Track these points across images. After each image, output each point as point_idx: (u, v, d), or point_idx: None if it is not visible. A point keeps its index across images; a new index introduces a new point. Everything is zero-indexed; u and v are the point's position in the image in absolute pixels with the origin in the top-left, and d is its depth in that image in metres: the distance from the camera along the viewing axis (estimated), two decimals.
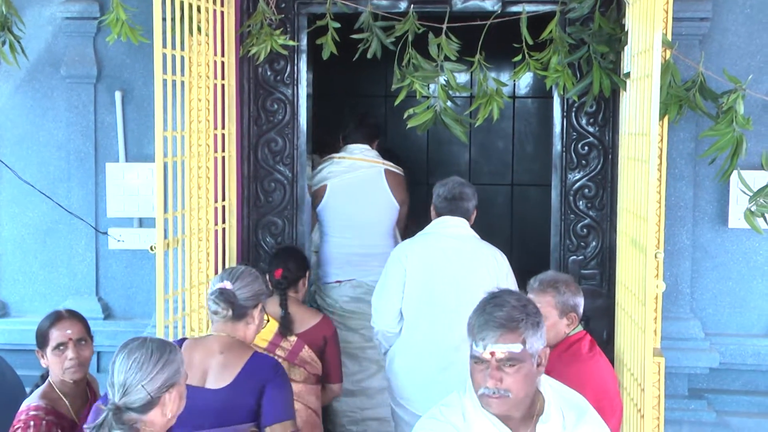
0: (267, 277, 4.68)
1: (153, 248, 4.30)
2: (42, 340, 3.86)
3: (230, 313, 3.55)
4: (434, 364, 4.48)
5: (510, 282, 4.52)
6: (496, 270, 4.53)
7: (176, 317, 4.47)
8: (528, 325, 2.83)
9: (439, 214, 4.69)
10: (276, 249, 5.22)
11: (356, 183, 5.74)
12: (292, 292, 4.79)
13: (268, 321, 4.53)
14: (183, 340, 3.70)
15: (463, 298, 4.24)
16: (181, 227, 4.50)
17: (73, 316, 3.96)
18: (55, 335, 3.84)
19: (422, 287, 4.55)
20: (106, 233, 5.53)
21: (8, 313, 5.71)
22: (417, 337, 4.56)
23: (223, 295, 3.56)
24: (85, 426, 2.84)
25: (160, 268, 4.28)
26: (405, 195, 5.83)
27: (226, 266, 4.88)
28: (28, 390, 4.01)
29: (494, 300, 2.89)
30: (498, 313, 2.82)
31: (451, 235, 4.62)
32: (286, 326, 4.63)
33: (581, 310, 3.97)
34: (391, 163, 5.88)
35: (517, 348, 2.80)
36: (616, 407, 3.85)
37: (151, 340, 2.89)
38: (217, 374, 3.45)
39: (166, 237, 4.34)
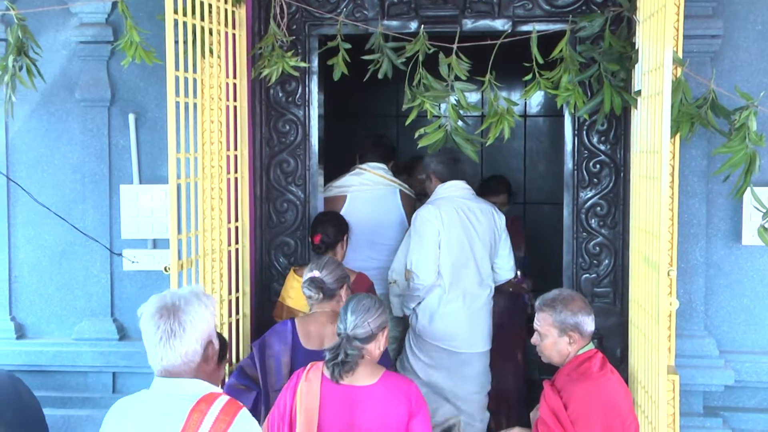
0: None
1: (167, 269, 4.32)
2: None
3: (321, 296, 4.32)
4: (475, 306, 5.33)
5: (505, 234, 5.50)
6: (499, 223, 5.46)
7: None
8: None
9: (440, 179, 5.48)
10: (317, 215, 5.42)
11: (374, 198, 5.87)
12: (331, 254, 5.07)
13: None
14: (292, 319, 4.39)
15: (483, 248, 5.35)
16: (195, 248, 4.52)
17: None
18: None
19: (456, 244, 5.29)
20: (120, 255, 5.55)
21: (25, 335, 5.73)
22: (460, 287, 5.29)
23: (313, 283, 4.33)
24: (325, 347, 3.87)
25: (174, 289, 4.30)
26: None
27: (239, 287, 4.93)
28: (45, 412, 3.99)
29: None
30: None
31: (461, 196, 5.41)
32: None
33: (587, 328, 3.96)
34: (406, 185, 6.04)
35: None
36: (629, 426, 3.84)
37: (375, 296, 3.93)
38: (332, 339, 4.10)
39: (180, 258, 4.36)
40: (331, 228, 5.17)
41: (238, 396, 4.05)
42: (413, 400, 3.68)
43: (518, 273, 5.97)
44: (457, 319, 5.27)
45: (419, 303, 5.31)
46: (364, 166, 6.03)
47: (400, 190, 5.98)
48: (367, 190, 5.92)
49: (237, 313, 4.93)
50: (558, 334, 3.95)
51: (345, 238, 5.25)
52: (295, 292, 5.01)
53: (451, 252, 5.27)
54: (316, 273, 4.35)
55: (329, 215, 5.34)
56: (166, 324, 2.90)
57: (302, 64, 5.11)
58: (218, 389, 2.99)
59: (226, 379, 4.43)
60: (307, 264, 4.86)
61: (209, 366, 3.00)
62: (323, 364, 3.72)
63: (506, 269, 5.54)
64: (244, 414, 2.90)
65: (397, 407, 3.64)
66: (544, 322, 3.99)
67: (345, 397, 3.65)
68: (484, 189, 6.34)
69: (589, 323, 3.97)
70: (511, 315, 6.31)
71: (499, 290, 5.70)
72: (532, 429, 4.05)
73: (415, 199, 6.04)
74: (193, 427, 2.81)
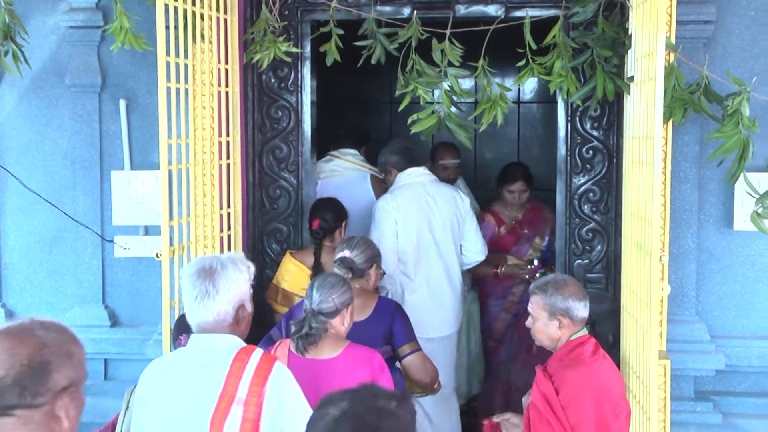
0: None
1: (159, 255, 4.31)
2: None
3: (351, 275, 4.37)
4: (440, 291, 5.38)
5: (470, 217, 5.52)
6: (461, 205, 5.48)
7: None
8: None
9: (398, 170, 5.53)
10: (316, 201, 5.47)
11: (344, 183, 5.96)
12: (328, 241, 5.21)
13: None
14: None
15: (444, 233, 5.38)
16: (187, 234, 4.51)
17: None
18: None
19: (415, 231, 5.32)
20: (111, 241, 5.54)
21: None
22: (423, 274, 5.34)
23: (343, 263, 4.41)
24: (291, 321, 3.92)
25: (166, 276, 4.30)
26: None
27: None
28: None
29: None
30: None
31: (420, 182, 5.45)
32: (316, 273, 4.93)
33: (577, 313, 3.94)
34: (376, 170, 6.07)
35: None
36: (620, 411, 3.85)
37: (338, 275, 4.06)
38: (359, 311, 4.29)
39: (171, 244, 4.35)
40: (330, 214, 5.22)
41: None
42: (375, 366, 3.82)
43: (535, 260, 6.10)
44: (422, 306, 5.27)
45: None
46: (334, 152, 6.22)
47: (371, 175, 6.10)
48: (338, 176, 6.04)
49: None
50: (548, 317, 3.95)
51: (344, 224, 5.31)
52: (290, 275, 5.05)
53: (410, 239, 5.31)
54: (347, 253, 4.46)
55: (328, 201, 5.37)
56: (202, 285, 3.15)
57: (294, 50, 5.09)
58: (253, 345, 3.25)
59: None
60: (304, 248, 5.29)
61: (240, 328, 3.24)
62: (290, 341, 3.85)
63: (473, 251, 5.57)
64: (279, 364, 3.18)
65: (359, 374, 3.73)
66: (535, 305, 3.99)
67: (310, 370, 3.70)
68: (500, 177, 6.31)
69: (580, 309, 3.96)
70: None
71: (516, 279, 5.87)
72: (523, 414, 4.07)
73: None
74: (236, 374, 3.06)
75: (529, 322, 4.08)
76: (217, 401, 3.06)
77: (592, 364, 3.90)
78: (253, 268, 3.30)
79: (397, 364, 4.42)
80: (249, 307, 3.26)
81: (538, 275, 5.90)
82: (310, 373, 3.69)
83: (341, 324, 3.91)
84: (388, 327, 4.41)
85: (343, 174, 6.08)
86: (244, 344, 3.18)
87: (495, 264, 6.05)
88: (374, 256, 4.56)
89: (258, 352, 3.15)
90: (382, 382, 3.73)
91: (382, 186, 5.99)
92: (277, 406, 3.08)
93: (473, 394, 6.40)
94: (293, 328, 3.84)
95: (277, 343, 3.94)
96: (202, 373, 3.12)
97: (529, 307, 4.08)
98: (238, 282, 3.19)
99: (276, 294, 5.10)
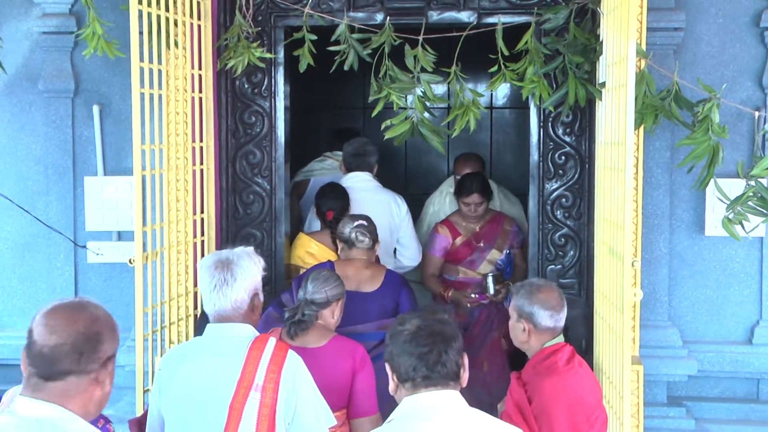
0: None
1: (132, 261, 4.30)
2: None
3: (370, 243, 4.78)
4: None
5: (406, 222, 5.65)
6: (396, 211, 5.61)
7: (156, 330, 4.47)
8: None
9: (348, 169, 5.75)
10: (322, 188, 5.62)
11: (333, 180, 5.97)
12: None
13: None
14: (331, 262, 4.84)
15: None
16: (160, 240, 4.50)
17: None
18: None
19: None
20: (84, 247, 5.52)
21: None
22: None
23: (365, 228, 4.79)
24: (285, 309, 4.12)
25: (139, 281, 4.28)
26: None
27: None
28: None
29: None
30: None
31: (361, 188, 5.64)
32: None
33: (541, 321, 3.87)
34: None
35: None
36: (595, 419, 3.83)
37: (331, 270, 4.34)
38: (369, 282, 4.71)
39: (144, 250, 4.33)
40: (340, 203, 5.45)
41: (275, 323, 4.34)
42: (358, 358, 3.97)
43: (489, 277, 5.66)
44: None
45: None
46: (328, 153, 6.55)
47: None
48: (329, 174, 6.22)
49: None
50: (516, 318, 3.95)
51: (349, 209, 5.51)
52: (314, 258, 5.27)
53: None
54: (364, 222, 4.82)
55: (334, 189, 5.57)
56: (220, 274, 3.35)
57: (268, 56, 5.09)
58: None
59: None
60: (315, 231, 5.58)
61: (254, 315, 3.45)
62: (281, 330, 4.03)
63: (406, 257, 5.70)
64: (292, 351, 3.38)
65: (342, 365, 3.94)
66: (511, 304, 4.00)
67: None
68: (457, 188, 5.92)
69: (544, 317, 3.87)
70: (485, 327, 5.83)
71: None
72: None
73: None
74: (253, 362, 3.25)
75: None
76: (235, 388, 3.22)
77: (566, 372, 3.88)
78: (263, 262, 3.51)
79: None
80: (261, 297, 3.48)
81: (489, 294, 5.63)
82: None
83: (331, 316, 4.11)
84: (395, 299, 4.71)
85: (333, 173, 6.23)
86: (257, 333, 3.39)
87: (444, 286, 5.83)
88: (377, 237, 4.89)
89: (272, 341, 3.35)
90: (362, 374, 3.95)
91: None
92: (292, 390, 3.28)
93: None
94: (287, 314, 4.04)
95: (269, 332, 4.00)
96: (220, 360, 3.28)
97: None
98: (253, 272, 3.41)
99: (297, 273, 5.24)
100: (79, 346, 2.40)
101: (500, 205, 6.21)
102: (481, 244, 5.86)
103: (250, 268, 3.42)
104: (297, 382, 3.32)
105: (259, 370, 3.25)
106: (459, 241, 5.89)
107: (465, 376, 2.81)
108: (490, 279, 5.64)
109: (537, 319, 3.88)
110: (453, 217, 5.99)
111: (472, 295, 5.73)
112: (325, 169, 6.38)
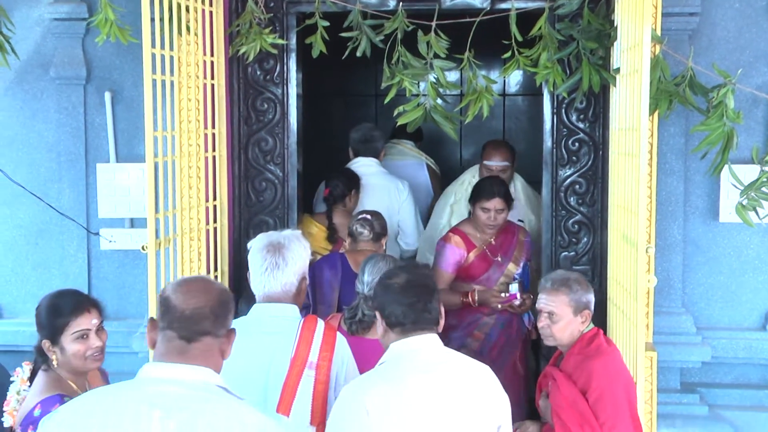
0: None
1: (144, 248, 4.30)
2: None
3: (372, 235, 4.90)
4: None
5: (406, 206, 5.83)
6: (397, 197, 5.81)
7: None
8: None
9: (356, 154, 6.03)
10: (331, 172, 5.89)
11: (402, 165, 6.55)
12: (341, 206, 5.69)
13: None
14: (342, 254, 5.01)
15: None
16: (173, 227, 4.50)
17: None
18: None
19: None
20: (97, 234, 5.52)
21: (1, 315, 5.70)
22: None
23: (367, 222, 4.93)
24: (345, 307, 4.23)
25: (152, 268, 4.28)
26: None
27: (218, 266, 4.93)
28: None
29: None
30: None
31: (366, 173, 5.87)
32: (330, 234, 5.60)
33: (593, 306, 3.96)
34: (432, 160, 6.85)
35: None
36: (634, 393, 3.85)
37: (392, 257, 4.39)
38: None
39: (157, 237, 4.33)
40: (340, 182, 5.67)
41: None
42: None
43: (511, 286, 5.22)
44: None
45: None
46: (395, 140, 6.81)
47: (427, 164, 6.69)
48: (398, 160, 6.59)
49: None
50: (573, 313, 3.89)
51: (353, 191, 5.71)
52: (313, 238, 5.33)
53: None
54: (368, 216, 4.96)
55: (340, 171, 5.85)
56: (272, 258, 3.50)
57: (280, 42, 5.07)
58: None
59: None
60: (318, 213, 5.80)
61: (300, 298, 3.59)
62: (341, 317, 4.16)
63: (405, 242, 5.90)
64: (339, 333, 3.58)
65: None
66: (560, 303, 3.89)
67: (357, 348, 3.82)
68: (474, 192, 5.38)
69: (593, 301, 4.00)
70: (503, 352, 5.38)
71: (487, 310, 5.26)
72: (542, 417, 4.04)
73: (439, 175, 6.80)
74: (306, 341, 3.42)
75: (544, 323, 3.95)
76: (289, 366, 3.38)
77: (613, 353, 3.90)
78: (309, 246, 3.67)
79: None
80: (308, 280, 3.64)
81: (516, 304, 5.18)
82: (358, 351, 3.74)
83: None
84: None
85: (403, 159, 6.63)
86: (303, 314, 3.56)
87: (463, 293, 5.24)
88: (386, 231, 5.02)
89: (321, 322, 3.53)
90: None
91: (437, 176, 6.72)
92: (342, 369, 3.48)
93: None
94: (346, 313, 4.14)
95: (329, 317, 4.22)
96: (270, 339, 3.42)
97: (547, 307, 3.93)
98: (302, 256, 3.58)
99: None
100: (215, 310, 2.61)
101: (526, 201, 5.90)
102: (499, 258, 5.36)
103: (300, 253, 3.56)
104: (345, 362, 3.50)
105: (312, 348, 3.41)
106: (473, 254, 5.33)
107: (442, 322, 3.19)
108: (515, 287, 5.19)
109: (592, 305, 3.95)
110: (464, 227, 5.41)
111: (502, 294, 5.18)
112: (394, 156, 6.60)
